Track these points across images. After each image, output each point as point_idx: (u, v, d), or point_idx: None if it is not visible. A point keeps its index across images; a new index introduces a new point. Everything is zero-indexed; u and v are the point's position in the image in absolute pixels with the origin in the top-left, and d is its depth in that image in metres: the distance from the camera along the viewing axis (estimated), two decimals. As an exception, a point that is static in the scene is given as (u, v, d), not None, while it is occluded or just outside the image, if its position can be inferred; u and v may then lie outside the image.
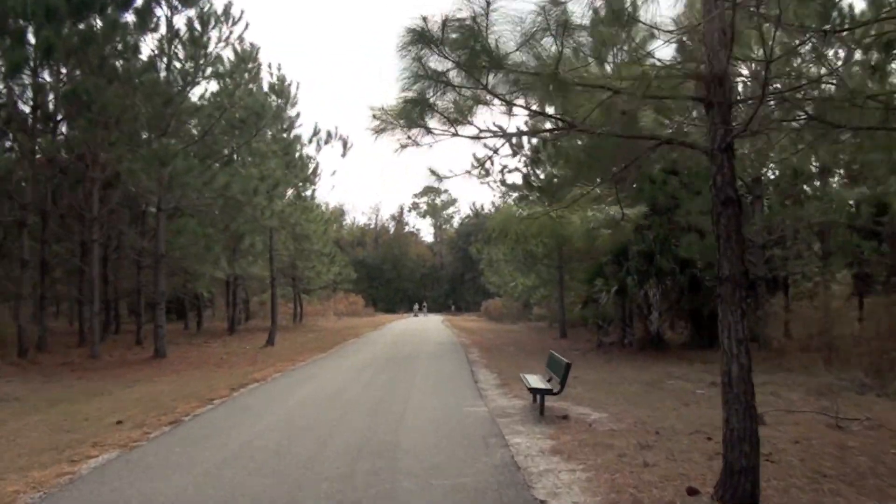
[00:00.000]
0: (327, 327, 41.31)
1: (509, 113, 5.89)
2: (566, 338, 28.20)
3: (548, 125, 6.56)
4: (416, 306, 72.04)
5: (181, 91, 20.84)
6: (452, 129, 5.72)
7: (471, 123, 5.91)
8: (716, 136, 5.37)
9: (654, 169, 19.96)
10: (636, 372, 15.70)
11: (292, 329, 38.46)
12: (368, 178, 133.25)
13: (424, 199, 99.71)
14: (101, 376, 17.39)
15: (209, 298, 41.63)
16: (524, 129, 7.35)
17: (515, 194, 27.72)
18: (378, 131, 5.53)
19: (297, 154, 29.19)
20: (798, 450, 7.62)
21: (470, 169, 6.35)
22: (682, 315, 22.23)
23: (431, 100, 5.24)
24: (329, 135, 30.00)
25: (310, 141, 29.90)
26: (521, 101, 5.44)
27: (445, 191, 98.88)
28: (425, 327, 41.79)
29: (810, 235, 20.61)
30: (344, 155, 30.81)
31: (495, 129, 6.01)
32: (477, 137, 5.79)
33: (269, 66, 36.73)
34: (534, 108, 5.53)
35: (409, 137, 5.50)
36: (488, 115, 6.19)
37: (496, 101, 5.39)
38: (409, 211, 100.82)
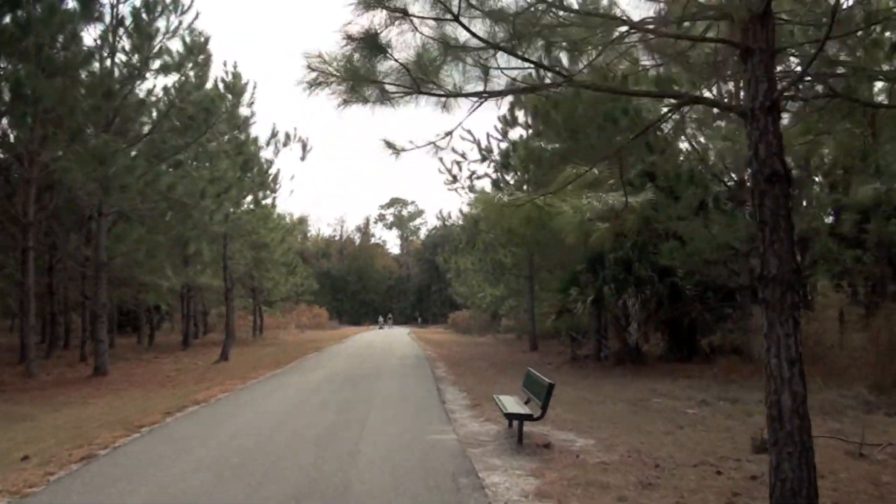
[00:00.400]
0: (288, 340, 39.65)
1: (486, 69, 4.57)
2: (537, 350, 27.03)
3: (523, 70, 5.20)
4: (381, 319, 70.89)
5: (125, 83, 19.17)
6: (414, 87, 4.37)
7: (436, 84, 4.59)
8: (757, 93, 4.08)
9: (630, 173, 18.89)
10: (617, 388, 14.49)
11: (250, 343, 36.75)
12: (333, 189, 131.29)
13: (391, 210, 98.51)
14: (31, 398, 15.78)
15: (167, 311, 39.68)
16: (504, 107, 5.99)
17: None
18: (314, 85, 4.14)
19: (255, 157, 27.48)
20: (827, 487, 6.38)
21: (435, 140, 4.99)
22: (658, 326, 21.10)
23: (384, 38, 3.89)
24: (288, 137, 28.32)
25: (267, 143, 28.12)
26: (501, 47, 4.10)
27: (412, 202, 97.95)
28: (390, 340, 40.33)
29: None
30: (303, 158, 29.03)
31: (469, 91, 4.68)
32: (446, 96, 4.44)
33: (225, 64, 35.06)
34: (520, 54, 4.20)
35: (355, 90, 4.13)
36: (459, 78, 4.88)
37: (471, 44, 4.04)
38: (376, 222, 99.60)
